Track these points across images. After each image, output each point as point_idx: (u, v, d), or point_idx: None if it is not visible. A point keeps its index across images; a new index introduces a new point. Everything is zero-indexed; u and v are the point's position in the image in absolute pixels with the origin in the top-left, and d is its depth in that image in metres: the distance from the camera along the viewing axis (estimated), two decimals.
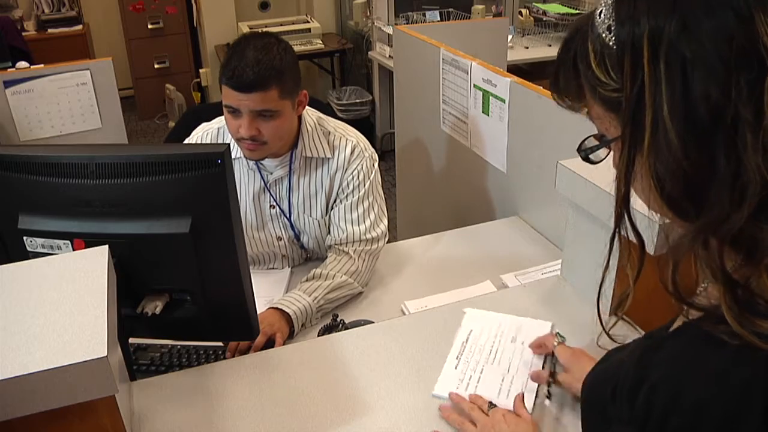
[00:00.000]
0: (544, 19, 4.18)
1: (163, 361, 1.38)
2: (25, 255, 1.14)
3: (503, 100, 1.93)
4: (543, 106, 1.76)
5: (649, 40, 0.56)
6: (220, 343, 1.42)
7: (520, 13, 4.21)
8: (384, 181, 3.01)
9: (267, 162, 1.63)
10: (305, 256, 1.79)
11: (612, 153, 0.68)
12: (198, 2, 4.85)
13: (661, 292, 0.63)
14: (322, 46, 4.62)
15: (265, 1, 5.14)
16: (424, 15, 4.10)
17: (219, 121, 1.68)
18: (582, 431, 0.82)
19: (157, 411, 1.14)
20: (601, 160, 0.70)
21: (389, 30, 3.90)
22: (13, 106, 2.32)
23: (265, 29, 2.45)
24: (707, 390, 0.58)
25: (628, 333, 0.79)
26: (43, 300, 0.92)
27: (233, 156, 1.47)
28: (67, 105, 2.40)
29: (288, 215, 1.69)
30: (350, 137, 1.67)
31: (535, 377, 1.17)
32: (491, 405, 1.10)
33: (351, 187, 1.65)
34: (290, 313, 1.47)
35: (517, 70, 3.37)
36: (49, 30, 5.01)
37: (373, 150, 1.71)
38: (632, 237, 0.67)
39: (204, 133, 1.69)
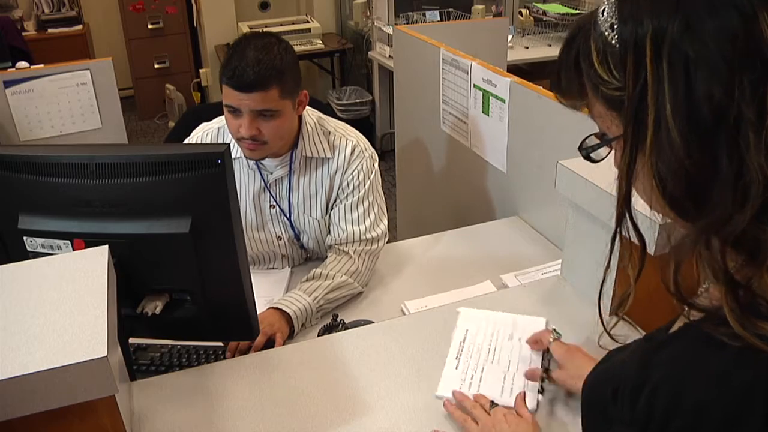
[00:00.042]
0: (544, 19, 4.18)
1: (163, 361, 1.38)
2: (25, 255, 1.14)
3: (503, 100, 1.93)
4: (543, 106, 1.75)
5: (652, 40, 0.56)
6: (220, 343, 1.41)
7: (520, 13, 4.21)
8: (384, 181, 3.01)
9: (267, 162, 1.63)
10: (305, 256, 1.79)
11: (613, 152, 0.68)
12: (198, 2, 4.85)
13: (661, 293, 0.63)
14: (322, 46, 4.62)
15: (265, 1, 5.14)
16: (424, 15, 4.10)
17: (219, 121, 1.68)
18: (582, 431, 0.82)
19: (157, 411, 1.14)
20: (602, 159, 0.70)
21: (389, 30, 3.90)
22: (13, 106, 2.32)
23: (265, 29, 2.45)
24: (708, 392, 0.58)
25: (628, 333, 0.79)
26: (43, 300, 0.92)
27: (233, 155, 1.47)
28: (67, 105, 2.40)
29: (288, 215, 1.69)
30: (350, 137, 1.67)
31: (529, 375, 1.18)
32: (493, 404, 1.10)
33: (351, 187, 1.64)
34: (290, 313, 1.47)
35: (517, 70, 3.37)
36: (49, 30, 5.01)
37: (373, 150, 1.70)
38: (633, 236, 0.66)
39: (204, 133, 1.69)
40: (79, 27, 5.09)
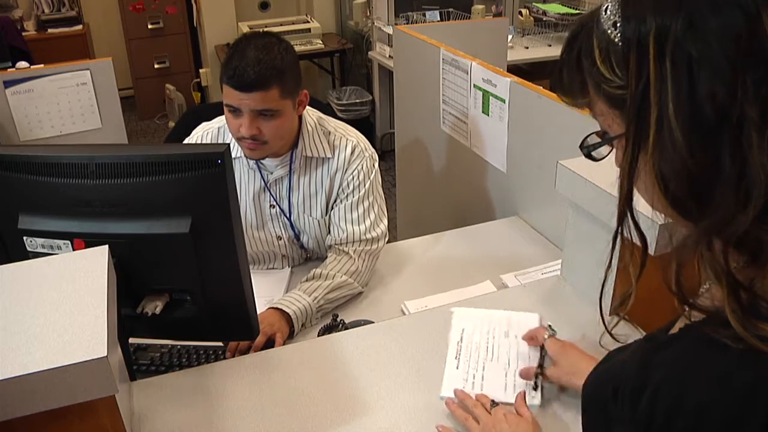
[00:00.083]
0: (544, 19, 4.18)
1: (163, 361, 1.38)
2: (25, 255, 1.14)
3: (503, 100, 1.93)
4: (543, 106, 1.75)
5: (656, 38, 0.56)
6: (220, 343, 1.41)
7: (520, 13, 4.21)
8: (384, 181, 3.01)
9: (267, 161, 1.63)
10: (305, 256, 1.79)
11: (614, 151, 0.67)
12: (198, 2, 4.85)
13: (661, 293, 0.63)
14: (322, 46, 4.62)
15: (265, 1, 5.14)
16: (424, 15, 4.10)
17: (219, 121, 1.68)
18: (582, 431, 0.82)
19: (157, 411, 1.14)
20: (603, 158, 0.70)
21: (389, 30, 3.90)
22: (13, 106, 2.32)
23: (265, 29, 2.45)
24: (710, 393, 0.58)
25: (629, 332, 0.79)
26: (43, 300, 0.92)
27: (233, 155, 1.47)
28: (67, 105, 2.40)
29: (288, 215, 1.69)
30: (350, 137, 1.67)
31: (524, 375, 1.18)
32: (494, 403, 1.10)
33: (351, 187, 1.64)
34: (290, 313, 1.47)
35: (517, 70, 3.37)
36: (49, 30, 5.01)
37: (373, 150, 1.70)
38: (635, 236, 0.66)
39: (204, 133, 1.69)
40: (79, 27, 5.09)
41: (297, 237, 1.72)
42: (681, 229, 0.62)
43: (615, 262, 0.70)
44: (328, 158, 1.64)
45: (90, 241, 1.09)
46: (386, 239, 1.71)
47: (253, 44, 1.48)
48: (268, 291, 1.64)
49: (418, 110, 2.58)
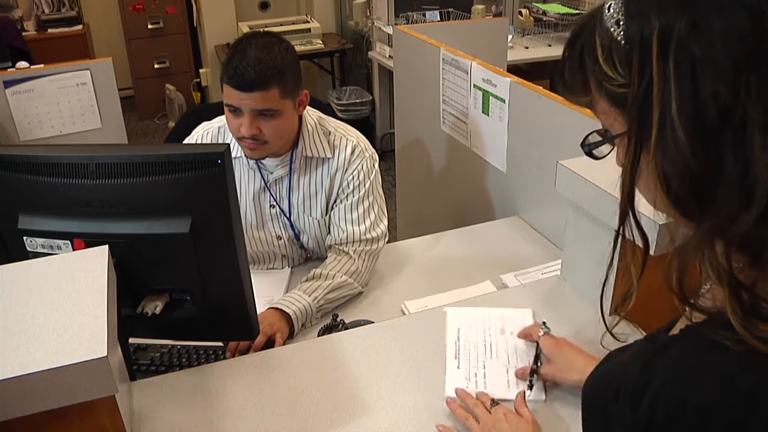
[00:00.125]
0: (544, 19, 4.18)
1: (163, 361, 1.37)
2: (25, 255, 1.14)
3: (503, 100, 1.93)
4: (543, 106, 1.75)
5: (659, 37, 0.56)
6: (220, 343, 1.41)
7: (520, 13, 4.21)
8: (384, 181, 3.00)
9: (267, 161, 1.63)
10: (305, 256, 1.79)
11: (616, 150, 0.67)
12: (198, 2, 4.85)
13: (662, 292, 0.63)
14: (322, 46, 4.62)
15: (265, 1, 5.14)
16: (424, 15, 4.10)
17: (219, 121, 1.67)
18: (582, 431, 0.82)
19: (157, 411, 1.13)
20: (604, 156, 0.70)
21: (389, 30, 3.90)
22: (13, 106, 2.32)
23: (265, 29, 2.45)
24: (711, 395, 0.58)
25: (630, 332, 0.79)
26: (43, 300, 0.92)
27: (233, 155, 1.47)
28: (67, 105, 2.40)
29: (288, 215, 1.69)
30: (351, 137, 1.67)
31: (520, 375, 1.18)
32: (494, 403, 1.10)
33: (351, 187, 1.64)
34: (290, 313, 1.47)
35: (517, 70, 3.38)
36: (49, 30, 5.01)
37: (373, 150, 1.70)
38: (636, 235, 0.66)
39: (204, 133, 1.69)
40: (79, 27, 5.08)
41: (297, 237, 1.72)
42: (682, 230, 0.62)
43: (616, 261, 0.70)
44: (328, 158, 1.64)
45: (90, 241, 1.09)
46: (386, 239, 1.70)
47: (253, 44, 1.48)
48: (268, 291, 1.64)
49: (418, 110, 2.58)
